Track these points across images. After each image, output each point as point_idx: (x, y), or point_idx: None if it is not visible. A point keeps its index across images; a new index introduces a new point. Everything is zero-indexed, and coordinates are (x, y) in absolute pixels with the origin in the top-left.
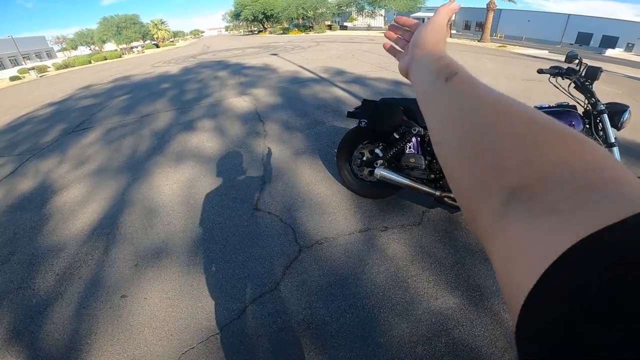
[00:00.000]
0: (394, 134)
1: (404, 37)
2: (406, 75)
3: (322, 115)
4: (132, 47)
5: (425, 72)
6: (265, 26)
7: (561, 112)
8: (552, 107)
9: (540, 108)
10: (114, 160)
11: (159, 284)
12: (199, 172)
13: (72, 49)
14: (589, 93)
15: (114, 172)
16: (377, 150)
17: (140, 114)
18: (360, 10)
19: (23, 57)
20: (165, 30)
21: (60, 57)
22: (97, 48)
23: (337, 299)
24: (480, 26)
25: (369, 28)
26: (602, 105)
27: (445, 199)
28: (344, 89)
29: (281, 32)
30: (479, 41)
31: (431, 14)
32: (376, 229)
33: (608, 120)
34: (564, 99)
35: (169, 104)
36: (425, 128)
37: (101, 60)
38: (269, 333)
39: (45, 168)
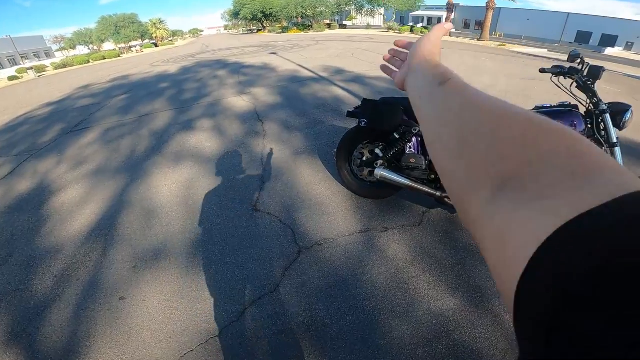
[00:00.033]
0: (394, 134)
1: (400, 57)
2: (402, 86)
3: (321, 114)
4: (130, 47)
5: (421, 78)
6: (264, 25)
7: (563, 111)
8: (554, 106)
9: (542, 107)
10: (112, 161)
11: (157, 286)
12: (197, 172)
13: (71, 48)
14: (591, 92)
15: (112, 173)
16: (377, 151)
17: (139, 114)
18: (360, 9)
19: (21, 57)
20: (164, 29)
21: (59, 57)
22: (95, 47)
23: (337, 301)
24: (480, 25)
25: (368, 27)
26: (604, 105)
27: (446, 199)
28: (343, 88)
29: (280, 31)
30: (478, 40)
31: (430, 13)
32: (376, 230)
33: (610, 120)
34: (566, 98)
35: (168, 103)
36: None
37: (100, 60)
38: (269, 335)
39: (43, 169)
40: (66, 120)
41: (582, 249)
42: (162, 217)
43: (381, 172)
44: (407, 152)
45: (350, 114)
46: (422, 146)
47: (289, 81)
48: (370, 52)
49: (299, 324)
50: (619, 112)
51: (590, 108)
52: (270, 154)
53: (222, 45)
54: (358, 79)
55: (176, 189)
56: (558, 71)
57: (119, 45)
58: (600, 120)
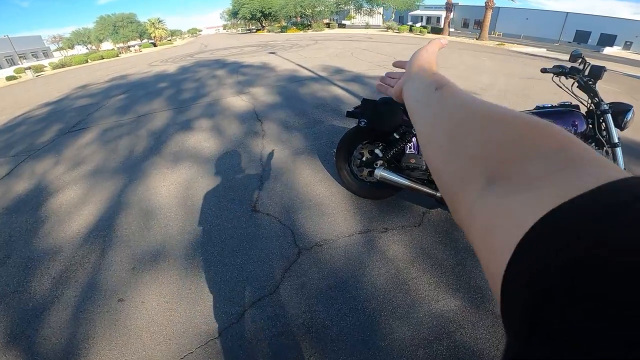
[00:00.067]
0: (394, 134)
1: (395, 77)
2: (399, 94)
3: (320, 114)
4: (129, 46)
5: (418, 85)
6: (263, 24)
7: (564, 111)
8: (555, 106)
9: (543, 107)
10: (110, 161)
11: (156, 288)
12: (196, 172)
13: (69, 48)
14: (592, 92)
15: (110, 173)
16: (376, 151)
17: (137, 114)
18: (359, 8)
19: (19, 57)
20: (163, 29)
21: (57, 57)
22: (94, 47)
23: (337, 302)
24: (479, 24)
25: (367, 26)
26: (605, 105)
27: None
28: (342, 88)
29: (279, 30)
30: (477, 39)
31: (429, 13)
32: (376, 231)
33: (611, 120)
34: (567, 98)
35: (166, 103)
36: None
37: (98, 60)
38: (269, 337)
39: (41, 169)
40: (64, 121)
41: (558, 240)
42: (160, 218)
43: (381, 173)
44: (407, 152)
45: (349, 114)
46: None
47: (288, 81)
48: (370, 52)
49: (299, 326)
50: (621, 112)
51: (591, 108)
52: (270, 154)
53: (220, 44)
54: (357, 79)
55: (174, 189)
56: (559, 71)
57: (118, 45)
58: (601, 121)
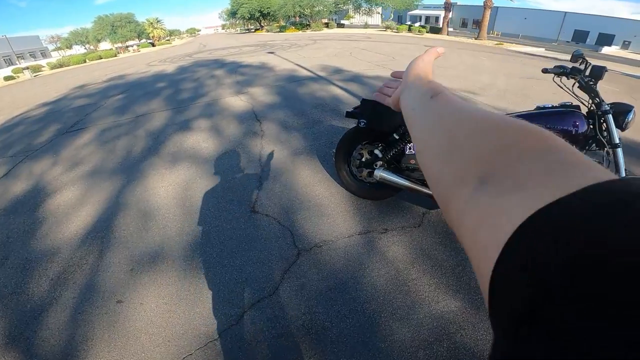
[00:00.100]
0: (394, 135)
1: (393, 86)
2: (396, 103)
3: (320, 114)
4: (127, 46)
5: (415, 93)
6: (262, 24)
7: (565, 112)
8: (556, 107)
9: (544, 108)
10: (108, 162)
11: (155, 289)
12: (194, 173)
13: (67, 48)
14: (593, 93)
15: (108, 174)
16: (376, 151)
17: (135, 114)
18: (358, 8)
19: (17, 57)
20: (161, 28)
21: (55, 57)
22: (92, 47)
23: (337, 304)
24: (477, 24)
25: (366, 26)
26: (606, 106)
27: None
28: (341, 88)
29: (278, 30)
30: (476, 39)
31: (428, 12)
32: (376, 231)
33: (612, 121)
34: (567, 98)
35: (165, 103)
36: None
37: (96, 60)
38: (268, 339)
39: (38, 170)
40: (62, 121)
41: (549, 238)
42: (159, 219)
43: (381, 174)
44: (407, 153)
45: (349, 114)
46: None
47: (287, 80)
48: (369, 51)
49: (299, 327)
50: (622, 112)
51: (592, 108)
52: (269, 154)
53: (219, 44)
54: (356, 78)
55: (173, 190)
56: (560, 71)
57: (116, 45)
58: (602, 121)
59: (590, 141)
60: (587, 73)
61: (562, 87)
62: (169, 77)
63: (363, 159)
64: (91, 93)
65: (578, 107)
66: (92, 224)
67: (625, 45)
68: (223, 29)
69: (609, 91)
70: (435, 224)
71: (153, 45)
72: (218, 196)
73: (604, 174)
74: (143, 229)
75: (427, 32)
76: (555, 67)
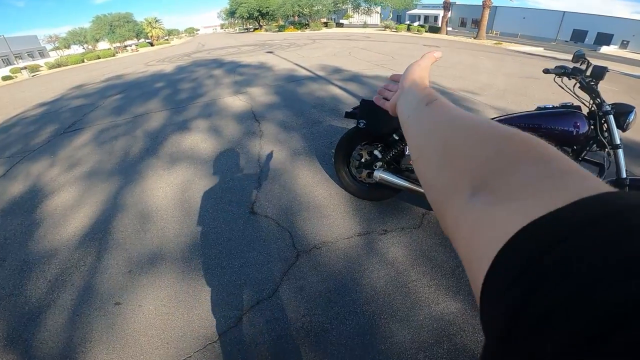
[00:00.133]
0: (394, 135)
1: (392, 90)
2: (393, 110)
3: (319, 114)
4: (126, 46)
5: (411, 99)
6: (261, 24)
7: (566, 112)
8: (557, 107)
9: (544, 108)
10: (106, 163)
11: (153, 291)
12: (193, 174)
13: (65, 47)
14: (594, 93)
15: (106, 175)
16: (376, 152)
17: (133, 114)
18: (357, 7)
19: (15, 57)
20: (160, 28)
21: (53, 56)
22: (90, 47)
23: (337, 305)
24: (476, 23)
25: (365, 25)
26: (607, 106)
27: None
28: (341, 87)
29: (277, 29)
30: (474, 38)
31: (427, 12)
32: (375, 232)
33: (614, 121)
34: (567, 98)
35: (163, 103)
36: None
37: (94, 59)
38: (268, 341)
39: (36, 171)
40: (59, 121)
41: (530, 254)
42: (156, 220)
43: (380, 174)
44: (406, 154)
45: (348, 115)
46: None
47: (286, 80)
48: (368, 51)
49: (298, 329)
50: (623, 113)
51: (593, 109)
52: (268, 155)
53: (218, 44)
54: (356, 78)
55: (171, 191)
56: (562, 72)
57: (114, 45)
58: (603, 121)
59: (591, 142)
60: (588, 73)
61: (563, 88)
62: (167, 77)
63: (362, 160)
64: (89, 93)
65: (579, 107)
66: (89, 225)
67: (624, 44)
68: (222, 28)
69: (608, 90)
70: (435, 224)
71: (151, 44)
72: (217, 197)
73: (594, 184)
74: (141, 231)
75: (426, 31)
76: (556, 67)
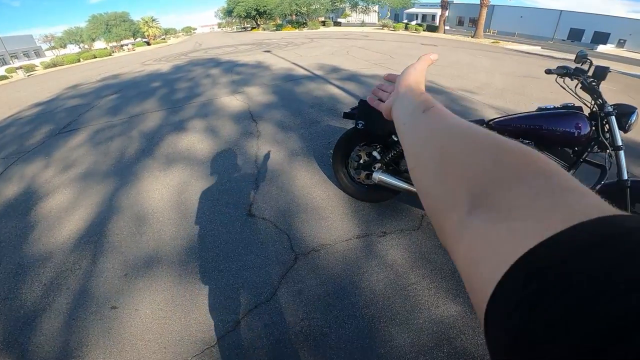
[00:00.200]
0: (393, 136)
1: (387, 90)
2: (388, 114)
3: (317, 114)
4: (122, 45)
5: (407, 105)
6: (258, 23)
7: (567, 113)
8: (558, 108)
9: (545, 109)
10: (102, 164)
11: (150, 295)
12: (189, 175)
13: (61, 47)
14: (595, 94)
15: (101, 177)
16: (374, 153)
17: (129, 115)
18: (354, 6)
19: (11, 57)
20: (157, 27)
21: (49, 56)
22: (86, 46)
23: (336, 309)
24: (474, 22)
25: (362, 24)
26: (609, 107)
27: None
28: (339, 87)
29: (274, 28)
30: (472, 37)
31: (424, 10)
32: (374, 234)
33: (615, 123)
34: (566, 97)
35: (159, 103)
36: None
37: (91, 59)
38: (266, 345)
39: (30, 172)
40: (55, 122)
41: (529, 285)
42: (153, 223)
43: (379, 176)
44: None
45: (346, 115)
46: None
47: (284, 80)
48: (366, 50)
49: (297, 333)
50: (625, 114)
51: (594, 110)
52: (265, 155)
53: (215, 43)
54: (354, 77)
55: (167, 193)
56: (563, 72)
57: (111, 44)
58: (604, 122)
59: (593, 143)
60: (590, 74)
61: (565, 88)
62: (164, 76)
63: (361, 161)
64: (85, 93)
65: (580, 108)
66: (85, 228)
67: (621, 43)
68: (219, 27)
69: (605, 90)
70: None
71: (148, 44)
72: (213, 199)
73: (594, 202)
74: (137, 233)
75: (423, 30)
76: (558, 67)
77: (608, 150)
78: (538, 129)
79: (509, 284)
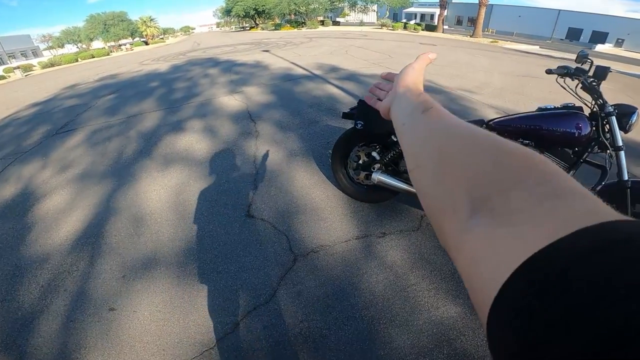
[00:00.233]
0: (392, 137)
1: (384, 89)
2: (387, 113)
3: (315, 114)
4: (120, 45)
5: (406, 106)
6: (257, 22)
7: (567, 113)
8: (558, 108)
9: (546, 109)
10: (99, 164)
11: (148, 297)
12: (187, 176)
13: (59, 47)
14: (596, 94)
15: (99, 177)
16: (374, 154)
17: (127, 115)
18: (353, 5)
19: (8, 56)
20: (155, 27)
21: (47, 56)
22: (84, 46)
23: (335, 311)
24: (472, 21)
25: (361, 24)
26: (610, 107)
27: None
28: (337, 86)
29: (273, 28)
30: (471, 36)
31: (423, 10)
32: (374, 235)
33: (616, 123)
34: (566, 97)
35: (157, 103)
36: None
37: (89, 58)
38: (265, 347)
39: (27, 173)
40: (52, 122)
41: (531, 292)
42: (151, 224)
43: (378, 177)
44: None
45: (345, 116)
46: None
47: (282, 79)
48: (364, 49)
49: (296, 335)
50: (625, 114)
51: (595, 110)
52: (264, 155)
53: (213, 42)
54: (352, 77)
55: (165, 194)
56: (564, 72)
57: (109, 44)
58: (605, 123)
59: (593, 143)
60: (591, 74)
61: (565, 88)
62: (162, 76)
63: (360, 162)
64: (82, 93)
65: (581, 108)
66: (82, 229)
67: (619, 43)
68: (218, 27)
69: (604, 89)
70: None
71: (146, 43)
72: (212, 200)
73: (594, 206)
74: (135, 235)
75: (422, 29)
76: (559, 67)
77: (608, 151)
78: (538, 129)
79: (511, 290)
